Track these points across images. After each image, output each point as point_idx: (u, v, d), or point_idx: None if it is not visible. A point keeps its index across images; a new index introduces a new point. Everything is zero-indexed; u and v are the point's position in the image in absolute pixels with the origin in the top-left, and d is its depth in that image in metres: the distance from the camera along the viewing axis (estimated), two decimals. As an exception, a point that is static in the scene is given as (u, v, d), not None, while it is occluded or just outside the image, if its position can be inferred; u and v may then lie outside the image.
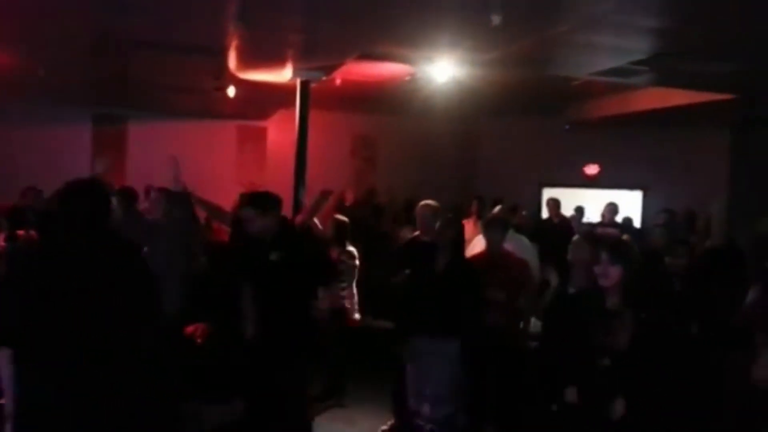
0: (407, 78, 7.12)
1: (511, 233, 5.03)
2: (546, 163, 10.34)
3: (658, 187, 10.13)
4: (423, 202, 4.79)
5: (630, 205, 10.03)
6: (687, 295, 4.13)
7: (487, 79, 6.89)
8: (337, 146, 10.76)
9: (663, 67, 6.12)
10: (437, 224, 4.10)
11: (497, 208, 5.45)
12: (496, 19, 4.14)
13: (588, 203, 9.09)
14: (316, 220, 5.11)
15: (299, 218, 4.78)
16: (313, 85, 6.76)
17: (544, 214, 9.13)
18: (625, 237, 4.99)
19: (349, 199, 9.29)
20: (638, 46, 5.34)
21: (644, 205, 10.24)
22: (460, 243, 4.12)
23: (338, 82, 7.47)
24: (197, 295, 3.81)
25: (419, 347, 3.91)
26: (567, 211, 9.00)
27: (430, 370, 3.86)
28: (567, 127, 10.19)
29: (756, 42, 5.03)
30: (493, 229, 4.38)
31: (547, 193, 10.30)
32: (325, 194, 4.97)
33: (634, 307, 2.82)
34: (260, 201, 3.70)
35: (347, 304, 5.17)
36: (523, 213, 6.71)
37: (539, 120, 10.09)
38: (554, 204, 8.34)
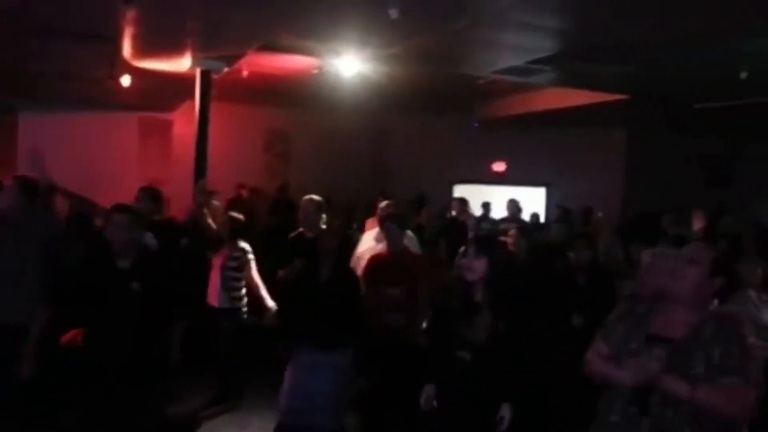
0: (315, 71, 7.03)
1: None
2: (456, 161, 10.53)
3: (560, 184, 10.56)
4: (306, 197, 4.71)
5: (535, 201, 10.39)
6: (589, 288, 4.23)
7: (396, 75, 6.91)
8: (248, 140, 10.51)
9: (562, 68, 6.35)
10: (316, 219, 3.99)
11: (384, 203, 5.42)
12: (394, 13, 4.14)
13: (496, 200, 9.35)
14: (209, 220, 4.92)
15: (184, 215, 4.58)
16: (216, 76, 6.53)
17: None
18: (511, 232, 5.14)
19: (245, 193, 9.04)
20: (538, 45, 5.49)
21: (548, 202, 10.62)
22: (344, 252, 4.02)
23: (245, 73, 7.28)
24: (68, 292, 3.46)
25: (305, 359, 3.75)
26: (476, 207, 9.22)
27: (316, 382, 3.70)
28: (476, 125, 10.42)
29: (646, 46, 5.31)
30: (391, 226, 4.36)
31: (458, 189, 10.52)
32: (209, 191, 4.80)
33: (496, 301, 2.87)
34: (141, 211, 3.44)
35: (244, 301, 5.01)
36: (431, 210, 6.75)
37: (449, 118, 10.27)
38: (459, 203, 8.49)
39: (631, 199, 8.99)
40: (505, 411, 2.84)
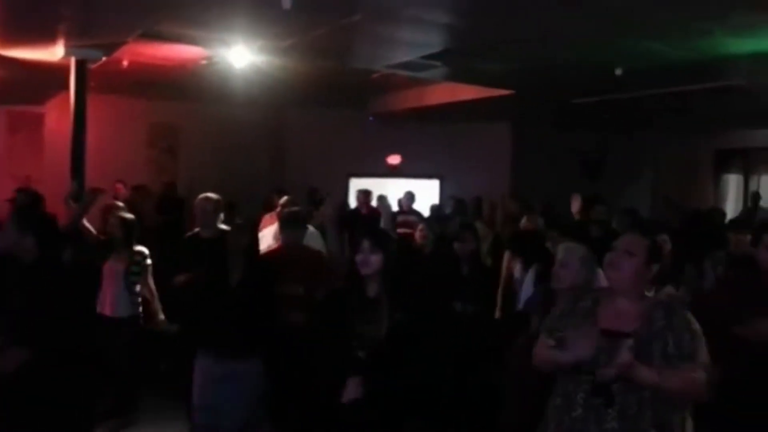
0: (203, 62, 6.72)
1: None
2: (353, 154, 10.52)
3: (453, 176, 10.85)
4: (202, 195, 4.50)
5: (429, 193, 10.62)
6: (473, 278, 4.38)
7: (290, 68, 6.77)
8: (131, 135, 9.90)
9: (453, 63, 6.50)
10: (214, 219, 3.82)
11: (284, 199, 5.32)
12: (287, 3, 4.02)
13: (392, 192, 9.43)
14: (86, 223, 4.56)
15: (65, 222, 4.20)
16: (93, 66, 6.08)
17: (353, 204, 9.28)
18: (420, 226, 5.23)
19: (123, 190, 8.48)
20: (430, 41, 5.58)
21: (441, 193, 10.89)
22: (254, 252, 3.86)
23: (125, 63, 6.83)
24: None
25: (214, 369, 3.56)
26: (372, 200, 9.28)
27: (228, 394, 3.52)
28: (371, 118, 10.46)
29: (527, 43, 5.54)
30: (289, 224, 4.25)
31: (355, 183, 10.52)
32: (95, 190, 4.46)
33: (393, 295, 2.86)
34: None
35: (153, 305, 4.71)
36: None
37: (345, 111, 10.24)
38: (363, 195, 8.50)
39: (518, 190, 9.39)
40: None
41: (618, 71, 5.79)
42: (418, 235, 4.85)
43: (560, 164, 10.33)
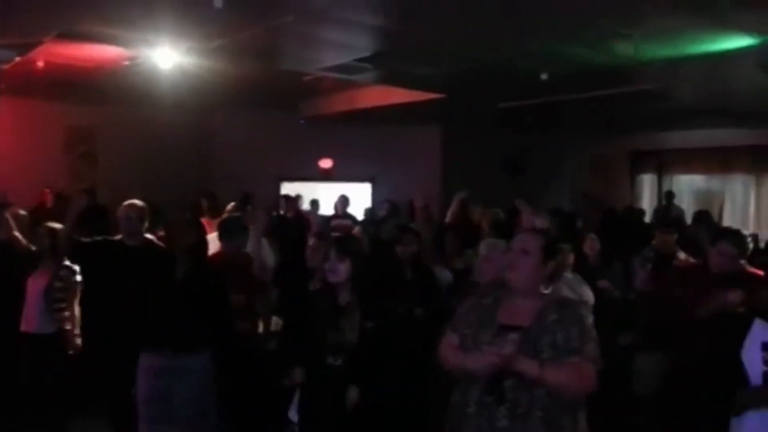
0: (126, 63, 6.45)
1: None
2: (284, 157, 10.38)
3: (385, 180, 10.90)
4: (127, 202, 4.29)
5: (361, 196, 10.63)
6: (417, 281, 4.36)
7: (219, 69, 6.59)
8: (46, 140, 9.34)
9: (384, 66, 6.53)
10: (139, 227, 3.65)
11: (230, 205, 5.20)
12: (218, 2, 3.92)
13: (324, 196, 9.38)
14: (17, 234, 4.26)
15: None
16: (5, 66, 5.71)
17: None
18: (356, 230, 5.22)
19: (50, 198, 8.01)
20: (361, 44, 5.59)
21: (374, 197, 10.92)
22: (202, 247, 3.69)
23: (40, 64, 6.46)
24: None
25: (162, 364, 3.42)
26: (305, 203, 9.19)
27: (178, 389, 3.39)
28: (302, 121, 10.36)
29: (455, 48, 5.65)
30: (229, 231, 4.12)
31: (286, 187, 10.39)
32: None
33: (363, 301, 2.86)
34: None
35: (68, 327, 4.40)
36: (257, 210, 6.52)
37: (276, 114, 10.07)
38: (287, 200, 8.41)
39: (449, 192, 9.54)
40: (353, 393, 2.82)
41: (544, 76, 6.00)
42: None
43: (487, 165, 10.58)
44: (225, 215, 4.60)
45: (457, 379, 2.36)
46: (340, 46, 5.65)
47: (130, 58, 6.26)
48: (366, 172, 11.00)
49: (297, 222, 7.74)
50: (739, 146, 10.35)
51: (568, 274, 3.80)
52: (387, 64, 6.43)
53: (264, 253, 4.46)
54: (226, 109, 10.06)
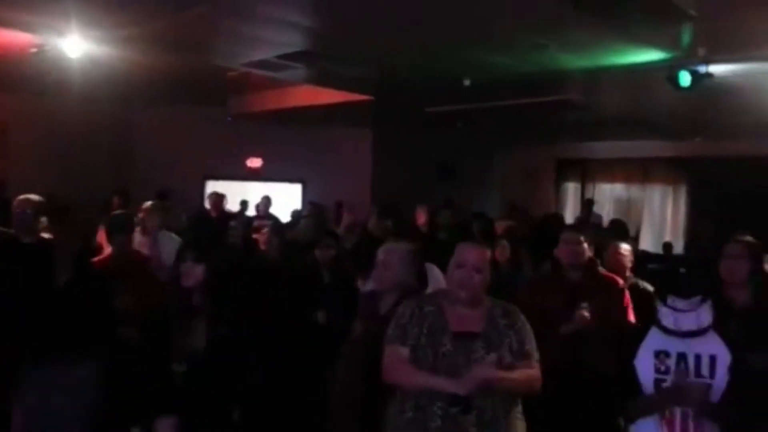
0: (33, 51, 6.06)
1: (165, 232, 4.65)
2: (209, 155, 10.08)
3: (315, 181, 10.76)
4: (21, 197, 4.02)
5: (291, 197, 10.45)
6: (335, 286, 4.24)
7: (137, 60, 6.29)
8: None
9: (311, 65, 6.42)
10: (35, 223, 3.43)
11: (147, 204, 4.94)
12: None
13: (252, 197, 9.16)
14: None
15: None
16: None
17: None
18: (263, 231, 5.02)
19: None
20: (285, 41, 5.47)
21: (304, 198, 10.75)
22: (85, 251, 3.56)
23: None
24: None
25: (42, 378, 3.21)
26: (233, 204, 8.93)
27: (60, 403, 3.19)
28: (229, 118, 10.08)
29: (382, 50, 5.60)
30: (116, 229, 3.90)
31: (212, 186, 10.08)
32: None
33: (217, 306, 2.75)
34: None
35: None
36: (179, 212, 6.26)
37: (201, 110, 9.76)
38: (213, 198, 8.15)
39: (379, 195, 9.51)
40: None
41: (466, 82, 6.04)
42: (261, 240, 4.62)
43: (417, 169, 10.62)
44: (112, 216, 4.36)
45: (391, 393, 2.33)
46: (264, 41, 5.51)
47: (38, 46, 5.89)
48: (296, 173, 10.82)
49: (221, 222, 7.51)
50: (657, 157, 10.79)
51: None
52: (315, 64, 6.32)
53: (169, 251, 4.25)
54: (147, 103, 9.68)
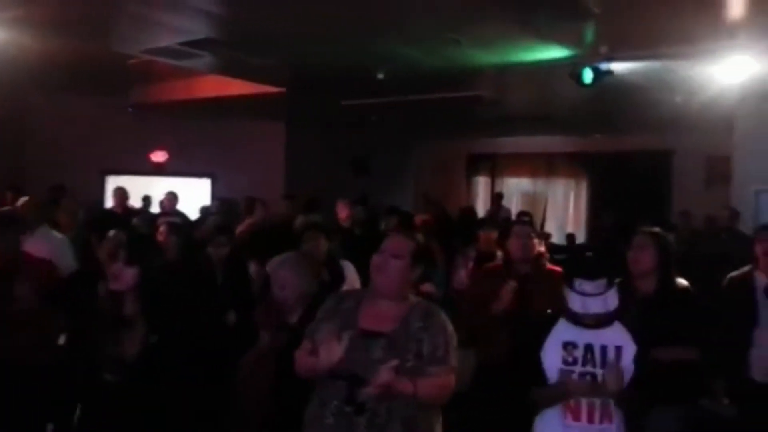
0: None
1: (45, 229, 4.25)
2: (109, 149, 9.49)
3: (225, 176, 10.41)
4: None
5: (199, 193, 10.05)
6: (230, 285, 4.04)
7: (26, 45, 5.78)
8: None
9: (218, 54, 6.16)
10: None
11: (22, 201, 4.53)
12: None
13: (157, 192, 8.69)
14: None
15: None
16: None
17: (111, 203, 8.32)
18: (161, 229, 4.71)
19: None
20: (188, 27, 5.20)
21: (213, 193, 10.38)
22: None
23: None
24: None
25: None
26: (136, 200, 8.43)
27: None
28: (130, 109, 9.54)
29: (294, 39, 5.45)
30: (2, 227, 3.54)
31: (112, 181, 9.50)
32: None
33: (151, 312, 2.58)
34: None
35: None
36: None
37: (100, 100, 9.16)
38: (119, 194, 7.67)
39: (292, 191, 9.31)
40: None
41: (380, 75, 6.00)
42: (159, 239, 4.29)
43: (332, 164, 10.52)
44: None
45: (311, 390, 2.26)
46: (165, 27, 5.22)
47: None
48: (204, 168, 10.42)
49: (127, 219, 7.07)
50: (561, 152, 11.26)
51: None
52: (221, 52, 6.06)
53: (62, 253, 3.91)
54: (40, 91, 8.97)
